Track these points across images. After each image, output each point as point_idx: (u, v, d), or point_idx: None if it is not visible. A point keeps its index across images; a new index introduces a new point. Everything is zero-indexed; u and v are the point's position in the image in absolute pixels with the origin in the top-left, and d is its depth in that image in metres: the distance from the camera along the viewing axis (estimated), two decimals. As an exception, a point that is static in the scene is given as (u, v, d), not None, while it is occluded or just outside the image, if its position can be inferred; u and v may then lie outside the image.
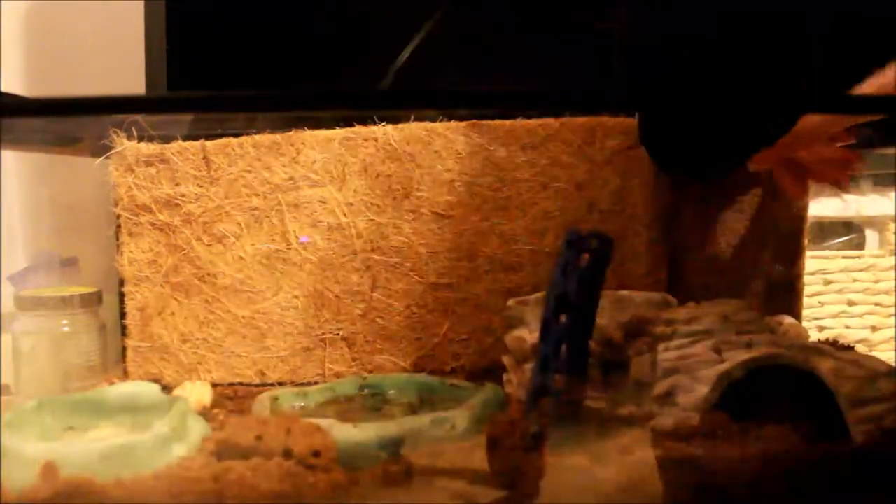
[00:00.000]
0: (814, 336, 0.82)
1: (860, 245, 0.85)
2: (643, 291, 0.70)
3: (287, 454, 0.45)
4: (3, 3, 0.98)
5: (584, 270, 0.50)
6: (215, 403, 0.67)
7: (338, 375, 0.75)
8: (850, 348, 0.72)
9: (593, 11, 0.88)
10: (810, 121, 0.57)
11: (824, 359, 0.47)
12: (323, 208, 0.75)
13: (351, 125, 0.74)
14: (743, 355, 0.50)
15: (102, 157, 0.74)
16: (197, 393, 0.66)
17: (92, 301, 0.73)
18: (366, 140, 0.74)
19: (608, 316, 0.59)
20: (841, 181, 0.65)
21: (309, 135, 0.74)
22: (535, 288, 0.74)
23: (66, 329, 0.71)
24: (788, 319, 0.72)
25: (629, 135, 0.73)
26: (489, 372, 0.71)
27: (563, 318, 0.50)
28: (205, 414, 0.62)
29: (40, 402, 0.55)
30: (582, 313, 0.50)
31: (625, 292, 0.70)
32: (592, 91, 0.44)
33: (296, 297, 0.75)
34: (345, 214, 0.75)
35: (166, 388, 0.69)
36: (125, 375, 0.75)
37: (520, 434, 0.51)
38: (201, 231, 0.75)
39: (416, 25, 0.88)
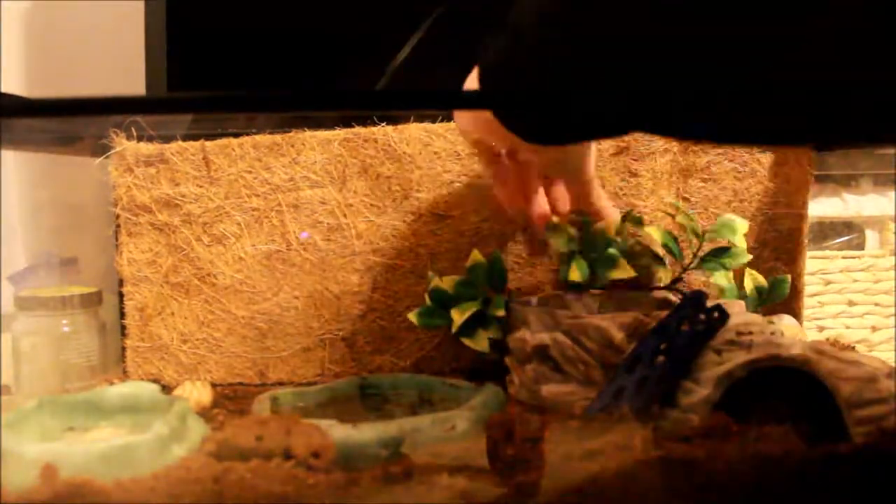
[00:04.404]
0: (814, 336, 0.82)
1: (860, 245, 0.85)
2: (644, 291, 0.70)
3: (287, 455, 0.45)
4: (3, 3, 0.98)
5: (699, 333, 0.52)
6: (215, 403, 0.67)
7: (338, 376, 0.75)
8: (850, 348, 0.72)
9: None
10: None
11: (824, 359, 0.47)
12: (323, 209, 0.75)
13: (350, 126, 0.74)
14: (743, 356, 0.50)
15: (102, 157, 0.74)
16: (197, 393, 0.66)
17: (92, 301, 0.73)
18: (365, 141, 0.74)
19: (609, 316, 0.59)
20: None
21: (309, 135, 0.74)
22: (534, 288, 0.74)
23: (66, 329, 0.71)
24: (788, 319, 0.72)
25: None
26: (489, 372, 0.71)
27: (659, 360, 0.52)
28: (205, 414, 0.62)
29: (40, 402, 0.55)
30: (676, 366, 0.51)
31: (626, 292, 0.70)
32: (591, 91, 0.44)
33: (296, 297, 0.75)
34: (344, 215, 0.75)
35: (166, 388, 0.69)
36: (125, 375, 0.76)
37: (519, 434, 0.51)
38: (201, 231, 0.75)
39: (415, 25, 0.88)
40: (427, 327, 0.71)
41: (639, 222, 0.69)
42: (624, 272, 0.68)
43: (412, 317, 0.70)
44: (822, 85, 0.36)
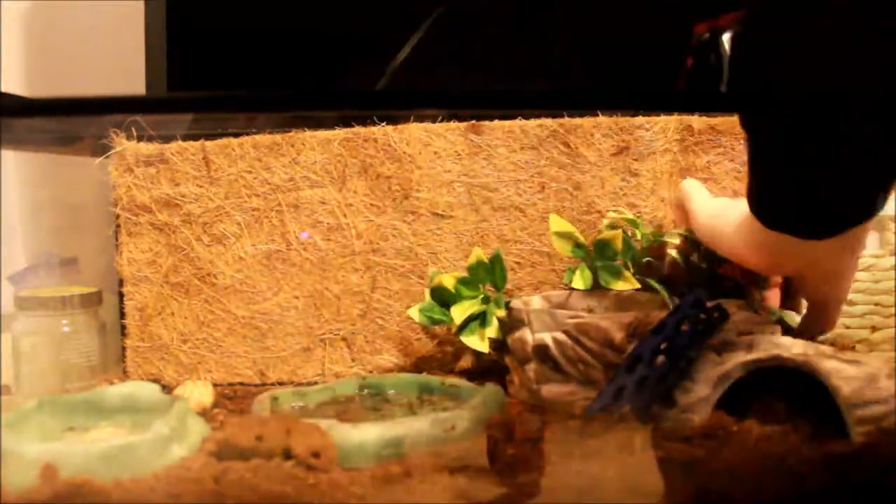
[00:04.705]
0: (813, 336, 0.82)
1: (860, 245, 0.85)
2: (646, 292, 0.70)
3: (287, 454, 0.45)
4: (3, 3, 0.98)
5: (700, 332, 0.52)
6: (215, 403, 0.67)
7: (337, 375, 0.75)
8: (850, 348, 0.72)
9: (592, 11, 0.88)
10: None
11: (824, 359, 0.47)
12: (323, 209, 0.75)
13: (350, 126, 0.74)
14: (743, 356, 0.50)
15: (102, 157, 0.74)
16: (198, 393, 0.66)
17: (92, 301, 0.73)
18: (365, 141, 0.74)
19: (610, 316, 0.59)
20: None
21: (309, 135, 0.74)
22: (534, 288, 0.74)
23: (66, 329, 0.71)
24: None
25: (626, 134, 0.74)
26: (489, 372, 0.71)
27: (659, 360, 0.52)
28: (205, 414, 0.62)
29: (40, 402, 0.55)
30: (676, 366, 0.51)
31: (626, 292, 0.70)
32: (591, 91, 0.44)
33: (296, 297, 0.75)
34: (344, 215, 0.75)
35: (166, 388, 0.69)
36: (125, 375, 0.76)
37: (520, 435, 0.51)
38: (201, 231, 0.75)
39: (415, 25, 0.88)
40: (427, 323, 0.71)
41: (659, 237, 0.70)
42: (628, 283, 0.68)
43: (413, 313, 0.70)
44: None
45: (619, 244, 0.69)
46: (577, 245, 0.69)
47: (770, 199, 0.54)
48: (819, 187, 0.50)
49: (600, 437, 0.50)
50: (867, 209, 0.51)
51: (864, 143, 0.47)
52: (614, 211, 0.73)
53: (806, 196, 0.51)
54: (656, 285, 0.68)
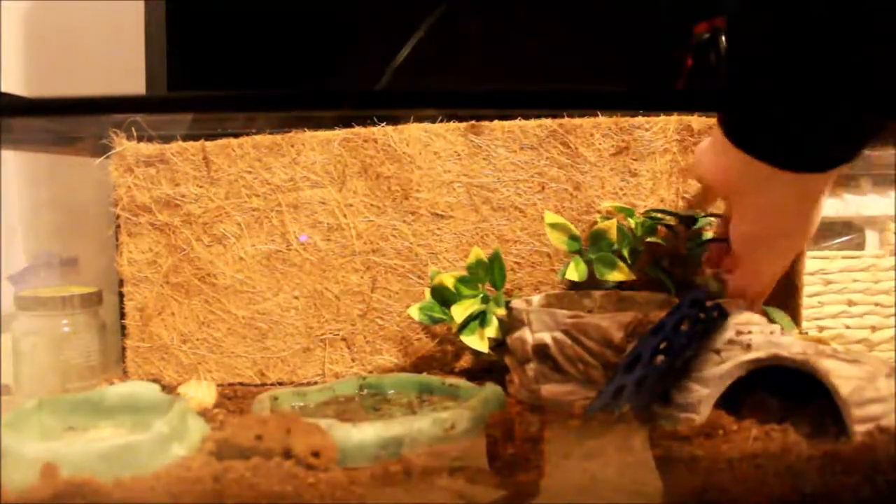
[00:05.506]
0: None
1: (860, 245, 0.85)
2: (645, 291, 0.70)
3: (287, 454, 0.45)
4: (3, 3, 0.98)
5: (699, 332, 0.52)
6: (215, 403, 0.67)
7: (337, 375, 0.75)
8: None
9: (591, 10, 0.88)
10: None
11: (823, 358, 0.47)
12: (323, 209, 0.75)
13: (350, 126, 0.74)
14: (743, 355, 0.50)
15: (102, 158, 0.74)
16: (201, 392, 0.66)
17: (92, 301, 0.73)
18: (365, 141, 0.74)
19: (609, 316, 0.59)
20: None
21: (309, 136, 0.74)
22: (534, 288, 0.74)
23: (66, 329, 0.71)
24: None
25: (626, 134, 0.74)
26: (489, 372, 0.72)
27: (658, 360, 0.52)
28: (205, 414, 0.62)
29: (40, 402, 0.55)
30: (676, 365, 0.51)
31: (626, 292, 0.70)
32: (591, 91, 0.44)
33: (295, 297, 0.75)
34: (344, 215, 0.75)
35: (166, 388, 0.69)
36: (125, 375, 0.76)
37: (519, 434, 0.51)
38: (201, 231, 0.75)
39: (415, 25, 0.88)
40: (427, 322, 0.71)
41: (651, 231, 0.70)
42: (622, 274, 0.68)
43: (413, 311, 0.70)
44: None
45: (614, 234, 0.69)
46: (572, 237, 0.70)
47: (739, 114, 0.52)
48: (786, 111, 0.48)
49: (600, 437, 0.49)
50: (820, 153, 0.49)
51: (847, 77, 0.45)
52: (608, 202, 0.73)
53: (770, 118, 0.49)
54: (661, 275, 0.68)
